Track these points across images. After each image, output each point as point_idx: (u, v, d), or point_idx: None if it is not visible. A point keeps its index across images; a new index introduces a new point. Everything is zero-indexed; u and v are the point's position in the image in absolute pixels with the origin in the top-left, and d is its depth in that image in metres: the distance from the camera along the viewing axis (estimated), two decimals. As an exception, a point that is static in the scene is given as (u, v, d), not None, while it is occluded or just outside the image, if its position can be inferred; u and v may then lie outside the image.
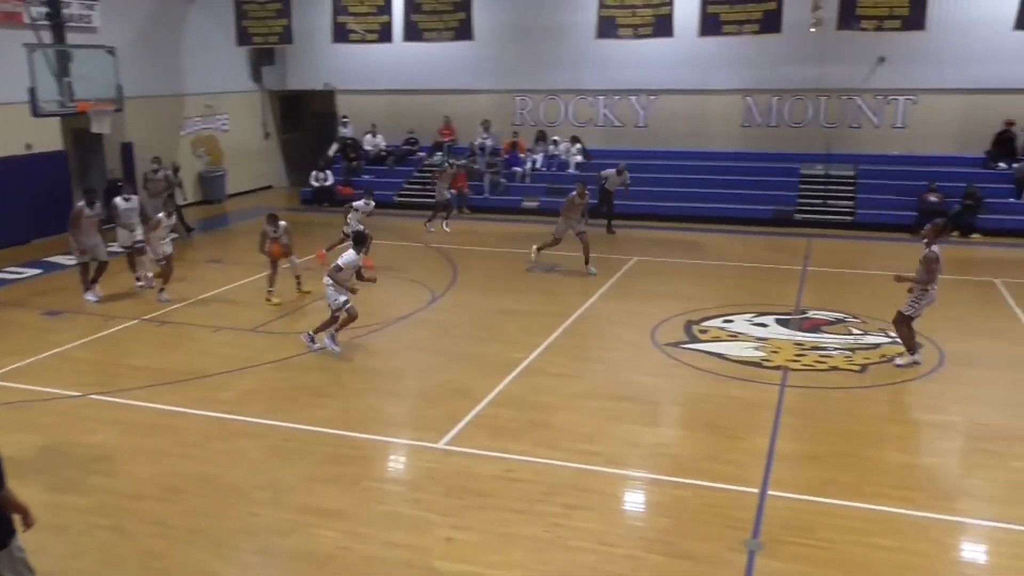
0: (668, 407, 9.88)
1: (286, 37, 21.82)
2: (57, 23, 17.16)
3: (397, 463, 8.43)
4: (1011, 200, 18.92)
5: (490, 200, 21.79)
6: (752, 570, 6.29)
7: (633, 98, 22.75)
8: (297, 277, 13.88)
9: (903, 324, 10.38)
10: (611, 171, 19.26)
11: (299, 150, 26.58)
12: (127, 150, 20.78)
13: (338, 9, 21.17)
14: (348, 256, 10.83)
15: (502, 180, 22.35)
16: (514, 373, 10.24)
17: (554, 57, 22.69)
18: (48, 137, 18.47)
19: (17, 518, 5.06)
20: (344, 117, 25.07)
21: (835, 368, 10.51)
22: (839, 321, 12.37)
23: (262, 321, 12.55)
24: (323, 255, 15.42)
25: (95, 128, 17.91)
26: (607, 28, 19.51)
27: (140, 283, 14.16)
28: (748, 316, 12.59)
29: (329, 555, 6.51)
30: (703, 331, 11.95)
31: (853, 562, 6.37)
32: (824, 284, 14.76)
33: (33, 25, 17.01)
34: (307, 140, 26.55)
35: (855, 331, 11.92)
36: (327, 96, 25.62)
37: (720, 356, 10.92)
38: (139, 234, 14.14)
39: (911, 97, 20.70)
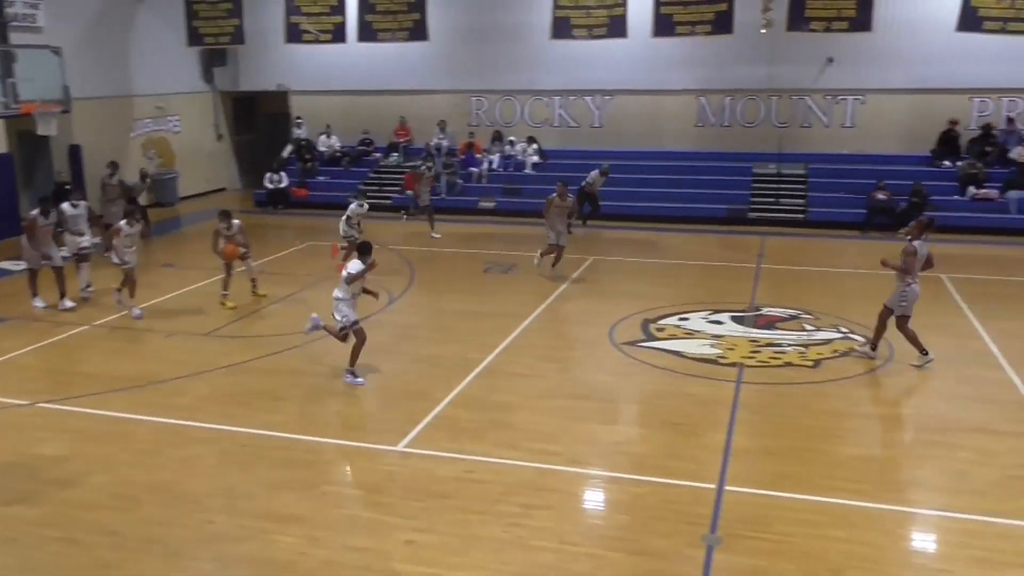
0: (627, 405, 9.95)
1: (238, 37, 21.55)
2: (0, 23, 16.74)
3: (355, 466, 8.35)
4: (955, 197, 19.39)
5: (446, 200, 21.74)
6: (710, 565, 6.36)
7: (588, 98, 22.88)
8: (253, 280, 13.72)
9: (903, 326, 10.46)
10: (595, 172, 19.17)
11: (253, 152, 26.24)
12: (75, 152, 20.33)
13: (291, 9, 20.97)
14: (355, 265, 9.93)
15: (459, 181, 22.33)
16: (473, 374, 10.23)
17: (509, 57, 22.74)
18: (-8, 139, 18.03)
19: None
20: (298, 118, 24.83)
21: (789, 364, 10.68)
22: (793, 318, 12.57)
23: (216, 325, 12.38)
24: (337, 249, 15.00)
25: (41, 130, 17.51)
26: (562, 29, 19.61)
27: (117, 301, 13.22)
28: (704, 314, 12.74)
29: (288, 561, 6.44)
30: (660, 329, 12.06)
31: (808, 554, 6.48)
32: (778, 281, 14.99)
33: (-25, 25, 16.62)
34: (261, 141, 26.23)
35: (808, 327, 12.13)
36: (281, 97, 25.35)
37: (677, 354, 11.03)
38: (86, 240, 13.84)
39: (859, 97, 21.13)
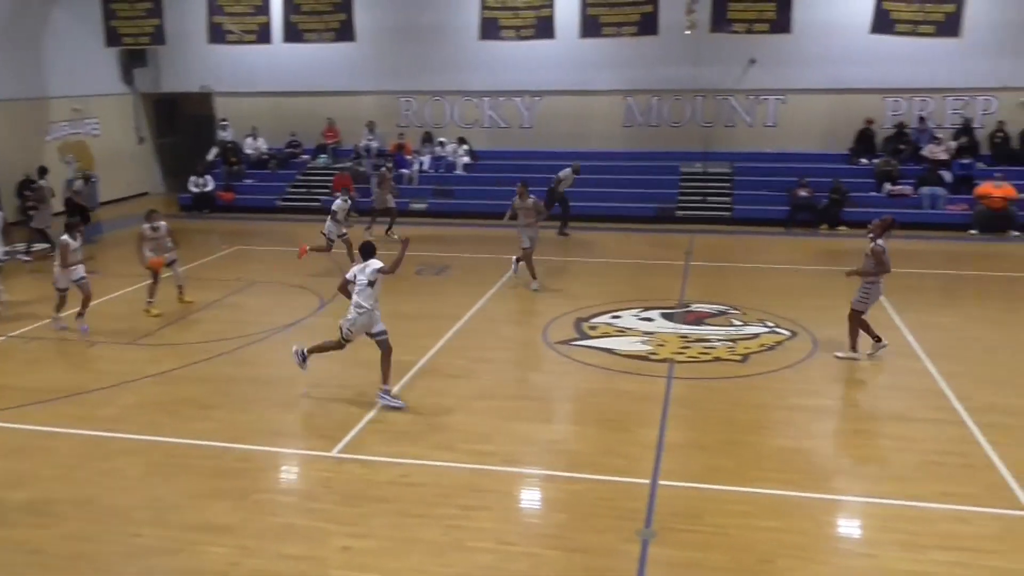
0: (561, 404, 10.03)
1: (158, 38, 20.96)
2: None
3: (289, 473, 8.24)
4: (873, 193, 20.08)
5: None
6: (645, 559, 6.46)
7: (518, 99, 22.98)
8: (179, 286, 13.39)
9: (855, 319, 10.73)
10: (567, 170, 19.12)
11: (176, 155, 25.60)
12: (-14, 157, 19.56)
13: (213, 9, 20.48)
14: (370, 268, 9.12)
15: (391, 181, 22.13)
16: (407, 376, 10.18)
17: (438, 58, 22.68)
18: None
19: None
20: (223, 120, 24.33)
21: (718, 359, 10.91)
22: (721, 313, 12.84)
23: (142, 333, 12.04)
24: (306, 250, 15.10)
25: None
26: (490, 30, 19.62)
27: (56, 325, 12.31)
28: (635, 311, 12.91)
29: (220, 572, 6.31)
30: (592, 328, 12.19)
31: (740, 545, 6.63)
32: (706, 278, 15.29)
33: None
34: (184, 144, 25.58)
35: (736, 322, 12.40)
36: (205, 99, 24.79)
37: (609, 351, 11.16)
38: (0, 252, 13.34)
39: (780, 97, 21.71)
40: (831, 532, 7.10)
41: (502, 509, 7.31)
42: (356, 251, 15.44)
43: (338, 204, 15.40)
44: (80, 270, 12.00)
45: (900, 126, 20.95)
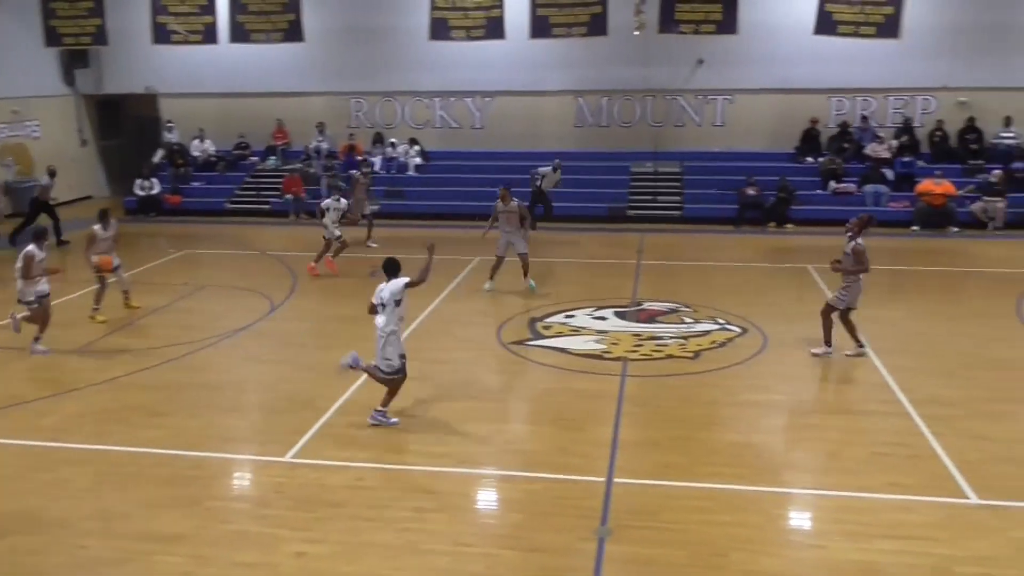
0: (516, 404, 10.04)
1: (100, 38, 20.51)
2: None
3: (242, 480, 8.13)
4: (818, 192, 20.47)
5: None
6: (602, 557, 6.50)
7: (469, 100, 22.95)
8: (125, 292, 13.10)
9: (827, 315, 10.83)
10: (547, 168, 19.00)
11: (121, 157, 25.03)
12: (-81, 160, 18.95)
13: (157, 8, 20.09)
14: (396, 286, 8.64)
15: (340, 183, 21.93)
16: (360, 380, 10.07)
17: (388, 59, 22.53)
18: None
19: None
20: (169, 122, 23.87)
21: (670, 356, 11.02)
22: (673, 311, 12.97)
23: (87, 340, 11.76)
24: (313, 269, 15.14)
25: None
26: (440, 30, 19.57)
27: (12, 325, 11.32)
28: (589, 310, 12.99)
29: (171, 582, 6.20)
30: (547, 327, 12.23)
31: (695, 540, 6.71)
32: (657, 276, 15.44)
33: None
34: (129, 146, 25.06)
35: (687, 320, 12.54)
36: (149, 100, 24.29)
37: (563, 351, 11.21)
38: None
39: (728, 97, 22.02)
40: (782, 525, 7.22)
41: (457, 511, 7.30)
42: (336, 253, 15.23)
43: (328, 203, 15.43)
44: (44, 284, 11.17)
45: (844, 125, 21.40)
